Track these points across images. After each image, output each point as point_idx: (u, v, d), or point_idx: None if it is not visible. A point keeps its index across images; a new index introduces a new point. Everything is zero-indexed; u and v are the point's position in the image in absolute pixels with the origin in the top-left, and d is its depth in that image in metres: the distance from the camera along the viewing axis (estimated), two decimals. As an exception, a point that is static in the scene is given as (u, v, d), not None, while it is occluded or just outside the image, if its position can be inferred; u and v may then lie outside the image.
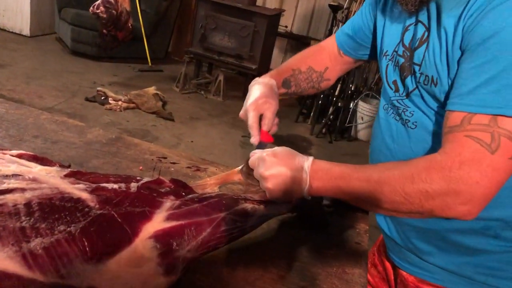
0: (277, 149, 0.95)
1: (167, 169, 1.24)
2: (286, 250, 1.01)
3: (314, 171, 0.89)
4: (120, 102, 4.59)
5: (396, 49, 1.05)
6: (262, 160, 0.93)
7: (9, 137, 1.22)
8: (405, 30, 1.02)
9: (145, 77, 5.72)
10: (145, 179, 0.85)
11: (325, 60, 1.35)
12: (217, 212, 0.88)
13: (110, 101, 4.58)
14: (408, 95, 1.01)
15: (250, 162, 1.00)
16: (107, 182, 0.79)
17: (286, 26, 6.51)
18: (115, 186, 0.79)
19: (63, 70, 5.32)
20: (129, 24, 5.82)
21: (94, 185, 0.76)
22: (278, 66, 1.36)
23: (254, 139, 1.13)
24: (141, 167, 1.21)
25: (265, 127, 1.14)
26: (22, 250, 0.65)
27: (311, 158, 0.91)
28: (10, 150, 0.87)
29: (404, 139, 1.03)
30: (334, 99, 5.09)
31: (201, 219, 0.84)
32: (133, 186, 0.81)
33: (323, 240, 1.08)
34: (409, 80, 1.00)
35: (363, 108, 5.06)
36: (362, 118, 5.09)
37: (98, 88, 4.70)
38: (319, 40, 6.12)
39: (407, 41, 1.01)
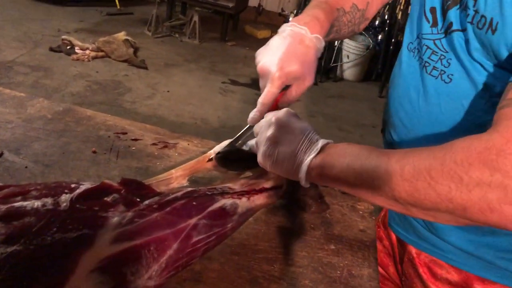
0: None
1: (127, 149, 1.01)
2: (277, 250, 0.81)
3: (327, 147, 0.69)
4: (87, 51, 4.23)
5: None
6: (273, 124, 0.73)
7: None
8: None
9: (113, 22, 5.29)
10: (84, 186, 0.63)
11: None
12: (185, 219, 0.67)
13: (76, 51, 4.22)
14: (447, 33, 0.76)
15: (255, 127, 0.78)
16: (25, 198, 0.57)
17: (264, -41, 6.04)
18: (38, 203, 0.56)
19: (22, 18, 4.86)
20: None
21: (3, 208, 0.54)
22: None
23: (253, 120, 0.81)
24: (94, 149, 0.98)
25: (283, 106, 0.81)
26: None
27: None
28: None
29: (432, 94, 0.80)
30: (318, 37, 4.79)
31: (164, 233, 0.64)
32: (64, 200, 0.58)
33: (321, 232, 0.88)
34: (453, 14, 0.74)
35: (348, 46, 4.78)
36: (348, 56, 4.83)
37: (63, 37, 4.32)
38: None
39: None
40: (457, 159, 0.55)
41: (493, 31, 0.66)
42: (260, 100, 0.78)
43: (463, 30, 0.72)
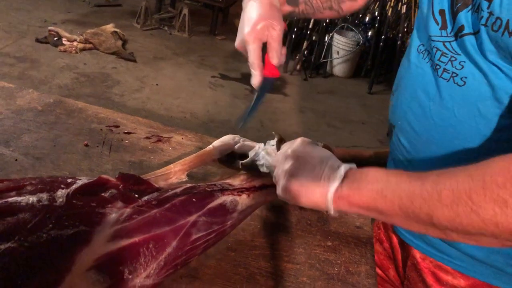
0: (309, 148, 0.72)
1: (120, 143, 0.99)
2: (274, 247, 0.80)
3: (351, 172, 0.66)
4: (75, 43, 4.16)
5: None
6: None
7: None
8: None
9: (102, 13, 5.21)
10: (81, 180, 0.61)
11: None
12: (184, 216, 0.65)
13: (64, 42, 4.14)
14: (457, 36, 0.73)
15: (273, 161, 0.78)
16: (20, 193, 0.55)
17: (254, -48, 5.99)
18: (33, 198, 0.54)
19: (7, 7, 4.76)
20: (80, -47, 5.23)
21: (-3, 203, 0.52)
22: None
23: (256, 79, 0.84)
24: (86, 142, 0.96)
25: (274, 60, 0.85)
26: None
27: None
28: None
29: (445, 97, 0.78)
30: (308, 32, 4.78)
31: (163, 230, 0.62)
32: (60, 195, 0.56)
33: (317, 229, 0.88)
34: (463, 16, 0.71)
35: (338, 42, 4.77)
36: (338, 52, 4.82)
37: (50, 27, 4.24)
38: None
39: None
40: (498, 181, 0.53)
41: (510, 34, 0.63)
42: (249, 60, 0.83)
43: (476, 33, 0.69)
